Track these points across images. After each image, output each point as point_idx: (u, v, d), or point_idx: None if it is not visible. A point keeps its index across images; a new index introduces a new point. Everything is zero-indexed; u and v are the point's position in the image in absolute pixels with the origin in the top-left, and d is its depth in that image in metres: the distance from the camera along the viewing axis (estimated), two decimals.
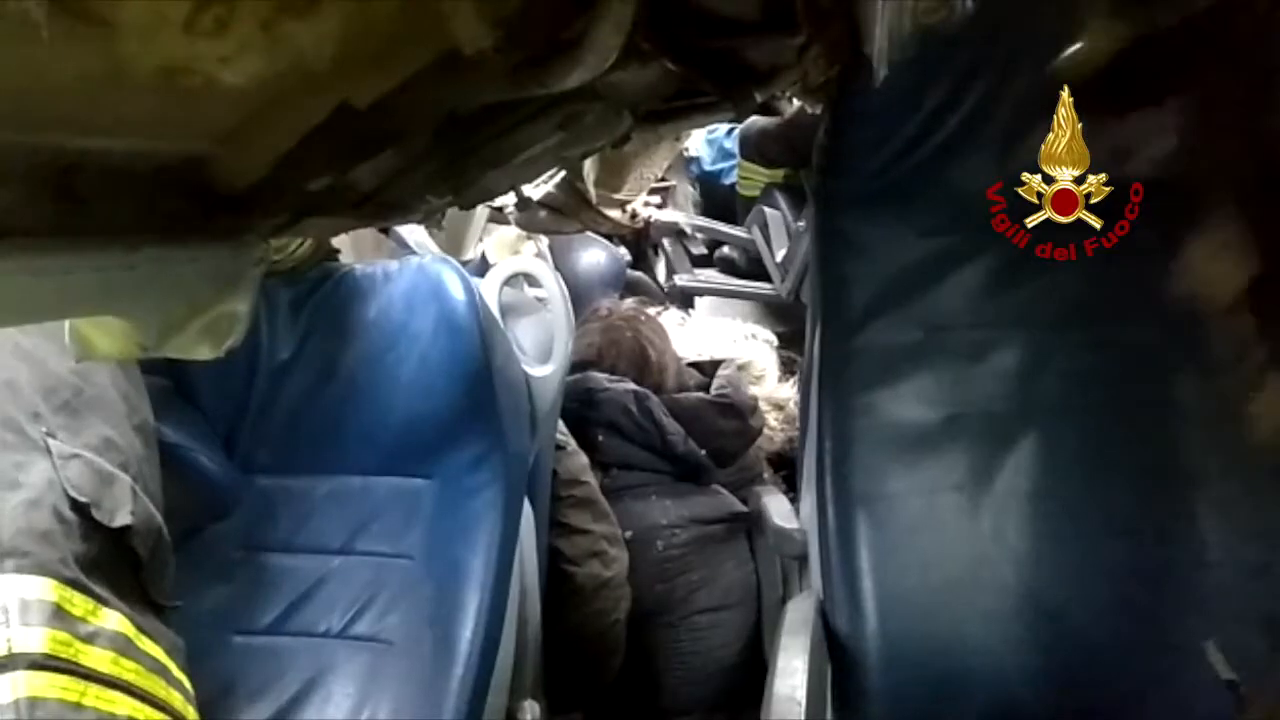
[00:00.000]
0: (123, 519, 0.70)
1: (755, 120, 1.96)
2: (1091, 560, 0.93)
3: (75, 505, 0.66)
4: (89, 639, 0.61)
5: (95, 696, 0.59)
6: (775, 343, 1.96)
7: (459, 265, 1.17)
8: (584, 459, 1.52)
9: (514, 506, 1.16)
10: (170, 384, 1.16)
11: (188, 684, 0.71)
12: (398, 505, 1.17)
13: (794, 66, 0.95)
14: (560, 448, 1.49)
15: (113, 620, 0.64)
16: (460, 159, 0.77)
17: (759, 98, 0.93)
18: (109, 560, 0.68)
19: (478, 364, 1.13)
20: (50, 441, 0.68)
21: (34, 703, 0.54)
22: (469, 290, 1.15)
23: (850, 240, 1.01)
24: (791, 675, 0.83)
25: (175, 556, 1.15)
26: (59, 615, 0.59)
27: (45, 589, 0.60)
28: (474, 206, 1.19)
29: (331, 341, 1.20)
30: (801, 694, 0.81)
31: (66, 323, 0.61)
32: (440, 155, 0.76)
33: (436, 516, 1.15)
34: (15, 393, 0.69)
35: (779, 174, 2.12)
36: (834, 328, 1.03)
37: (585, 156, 1.02)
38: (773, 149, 1.99)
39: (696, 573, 1.53)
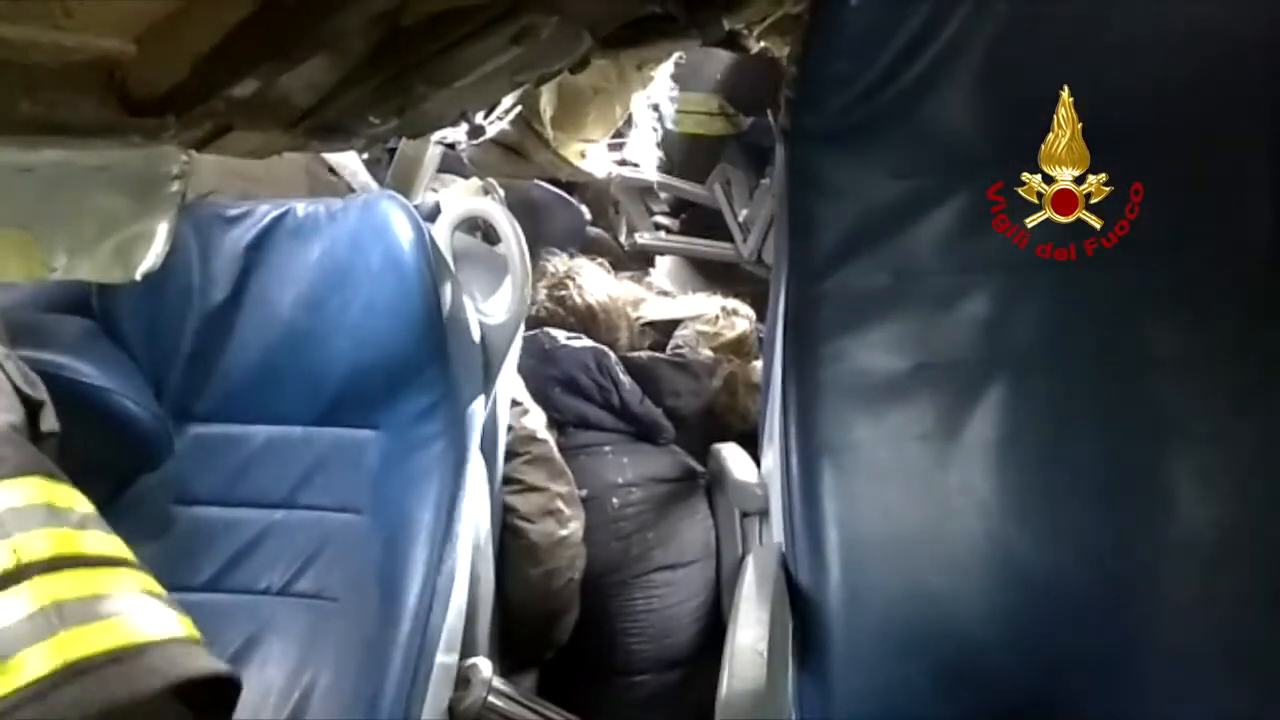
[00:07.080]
0: (53, 423, 0.67)
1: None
2: (1060, 515, 0.91)
3: (26, 401, 0.64)
4: (82, 526, 0.59)
5: (106, 580, 0.57)
6: (754, 318, 1.92)
7: (407, 202, 1.10)
8: (542, 416, 1.48)
9: (464, 460, 1.11)
10: (96, 325, 1.09)
11: None
12: (342, 457, 1.11)
13: None
14: (517, 404, 1.44)
15: (86, 501, 0.62)
16: (404, 75, 0.71)
17: (727, 24, 0.88)
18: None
19: (426, 308, 1.07)
20: None
21: (59, 607, 0.51)
22: (418, 228, 1.07)
23: (819, 180, 0.97)
24: (754, 626, 0.79)
25: (106, 510, 1.09)
26: (51, 511, 0.57)
27: (32, 490, 0.57)
28: (421, 134, 1.12)
29: (272, 283, 1.12)
30: (764, 645, 0.77)
31: None
32: (382, 70, 0.70)
33: (383, 469, 1.10)
34: None
35: (714, 102, 2.09)
36: (801, 272, 0.99)
37: (541, 82, 0.96)
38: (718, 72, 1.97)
39: (652, 531, 1.49)
